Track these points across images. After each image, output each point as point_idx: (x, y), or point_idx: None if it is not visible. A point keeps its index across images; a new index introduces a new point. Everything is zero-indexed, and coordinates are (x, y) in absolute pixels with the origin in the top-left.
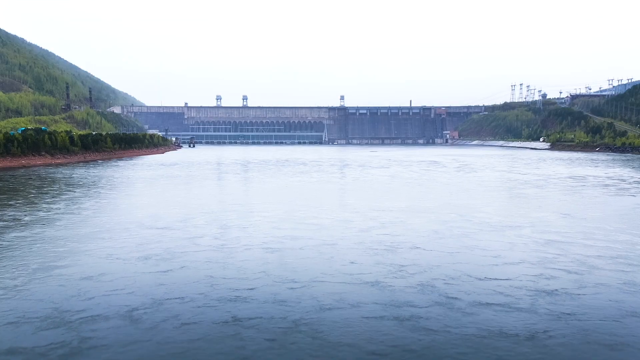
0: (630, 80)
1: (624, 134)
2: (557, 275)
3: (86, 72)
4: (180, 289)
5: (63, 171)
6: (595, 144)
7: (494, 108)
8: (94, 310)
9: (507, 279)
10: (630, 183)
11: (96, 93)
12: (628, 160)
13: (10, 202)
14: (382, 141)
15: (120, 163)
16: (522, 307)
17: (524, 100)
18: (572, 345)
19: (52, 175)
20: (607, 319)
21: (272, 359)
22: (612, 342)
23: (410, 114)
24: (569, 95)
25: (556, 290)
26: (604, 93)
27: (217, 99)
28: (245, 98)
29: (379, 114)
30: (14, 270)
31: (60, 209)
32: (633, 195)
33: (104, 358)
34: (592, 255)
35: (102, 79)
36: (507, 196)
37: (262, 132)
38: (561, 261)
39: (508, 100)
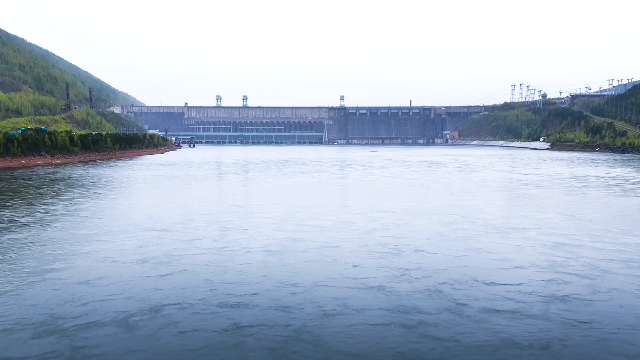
0: (630, 80)
1: (624, 134)
2: (568, 280)
3: (86, 72)
4: (179, 294)
5: (62, 171)
6: (595, 144)
7: (494, 108)
8: (89, 316)
9: (517, 284)
10: (633, 183)
11: (96, 93)
12: (629, 160)
13: (7, 203)
14: (382, 141)
15: (120, 163)
16: (534, 314)
17: (524, 100)
18: (588, 355)
19: (52, 175)
20: (625, 327)
21: None
22: (631, 353)
23: (410, 114)
24: (569, 95)
25: (569, 296)
26: (604, 93)
27: (217, 99)
28: (245, 98)
29: (379, 114)
30: (8, 273)
31: (58, 210)
32: (638, 196)
33: None
34: (603, 258)
35: (102, 79)
36: (509, 197)
37: (262, 132)
38: (572, 265)
39: (508, 100)
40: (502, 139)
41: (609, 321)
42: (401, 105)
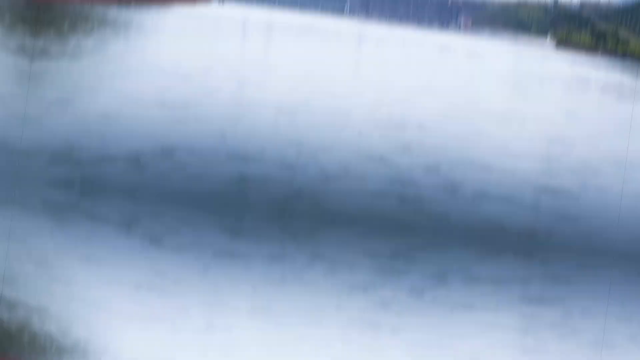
0: None
1: (627, 42)
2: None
3: None
4: (191, 140)
5: (97, 11)
6: (598, 48)
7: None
8: (103, 150)
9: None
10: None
11: None
12: (629, 66)
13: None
14: (400, 20)
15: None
16: (525, 204)
17: None
18: (571, 249)
19: (87, 13)
20: (609, 225)
21: (272, 226)
22: (613, 250)
23: None
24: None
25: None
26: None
27: None
28: None
29: None
30: (34, 100)
31: (88, 45)
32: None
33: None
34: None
35: None
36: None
37: None
38: (565, 160)
39: None
40: (513, 33)
41: (594, 218)
42: None
